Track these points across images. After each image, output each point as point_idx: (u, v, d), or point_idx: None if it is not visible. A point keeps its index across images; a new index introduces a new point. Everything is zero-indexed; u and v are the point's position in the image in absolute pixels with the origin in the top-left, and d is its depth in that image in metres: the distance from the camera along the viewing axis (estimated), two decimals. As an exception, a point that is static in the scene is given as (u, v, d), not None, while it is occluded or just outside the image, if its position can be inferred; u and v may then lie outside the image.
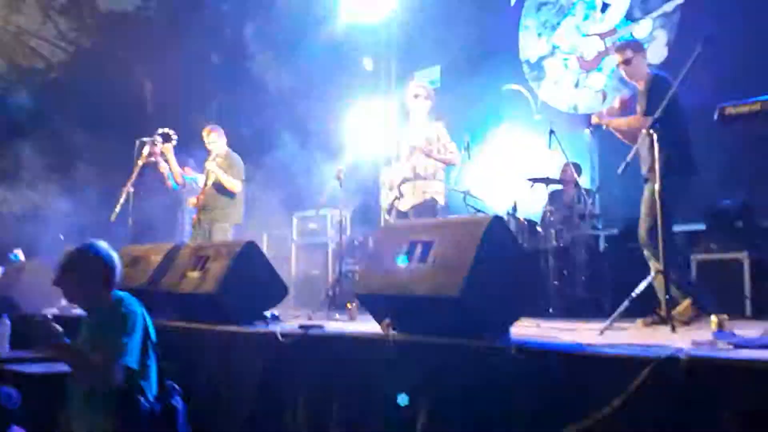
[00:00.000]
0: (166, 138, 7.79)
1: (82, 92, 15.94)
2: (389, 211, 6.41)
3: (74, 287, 3.69)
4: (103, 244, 3.76)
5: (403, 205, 6.33)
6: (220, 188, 7.44)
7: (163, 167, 7.98)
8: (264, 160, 10.08)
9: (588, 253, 6.92)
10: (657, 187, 4.47)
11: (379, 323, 3.93)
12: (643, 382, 2.69)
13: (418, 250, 3.76)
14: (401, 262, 3.76)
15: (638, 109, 5.15)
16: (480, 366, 3.30)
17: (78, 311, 6.99)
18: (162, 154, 7.82)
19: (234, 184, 7.43)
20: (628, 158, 4.45)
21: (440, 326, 3.56)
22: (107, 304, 3.63)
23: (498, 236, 3.58)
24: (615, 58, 5.30)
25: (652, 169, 4.71)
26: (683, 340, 3.52)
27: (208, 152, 7.63)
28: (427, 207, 6.24)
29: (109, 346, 3.41)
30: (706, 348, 3.09)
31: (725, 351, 2.97)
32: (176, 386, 3.86)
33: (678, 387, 2.63)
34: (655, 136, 4.36)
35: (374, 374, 3.77)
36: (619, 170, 4.43)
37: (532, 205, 7.39)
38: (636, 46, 5.31)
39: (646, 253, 4.99)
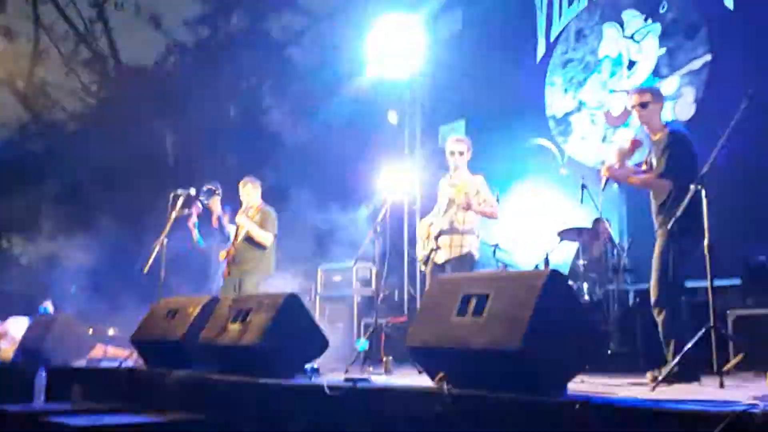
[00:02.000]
0: (210, 193, 7.83)
1: (103, 144, 16.12)
2: (425, 263, 6.43)
3: None
4: None
5: (440, 258, 6.34)
6: (251, 241, 7.46)
7: (193, 222, 8.03)
8: (285, 213, 10.17)
9: (620, 307, 6.92)
10: (705, 243, 4.47)
11: (431, 377, 3.91)
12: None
13: (473, 303, 3.77)
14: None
15: (653, 162, 5.21)
16: (541, 422, 3.28)
17: (106, 364, 7.05)
18: (203, 208, 7.87)
19: (265, 238, 7.44)
20: (678, 213, 4.49)
21: (497, 381, 3.54)
22: None
23: (556, 289, 3.59)
24: (632, 99, 5.31)
25: (661, 227, 4.92)
26: (737, 395, 3.51)
27: (240, 204, 7.69)
28: (464, 261, 6.26)
29: None
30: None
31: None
32: None
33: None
34: (703, 192, 4.38)
35: (427, 429, 3.74)
36: (669, 225, 4.48)
37: (559, 259, 7.40)
38: (656, 94, 5.37)
39: (656, 310, 5.00)
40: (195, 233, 8.15)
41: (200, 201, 7.76)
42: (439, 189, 6.72)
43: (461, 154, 6.51)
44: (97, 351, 8.10)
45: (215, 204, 7.91)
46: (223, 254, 7.72)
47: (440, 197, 6.60)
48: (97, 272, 13.83)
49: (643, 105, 5.23)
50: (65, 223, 15.77)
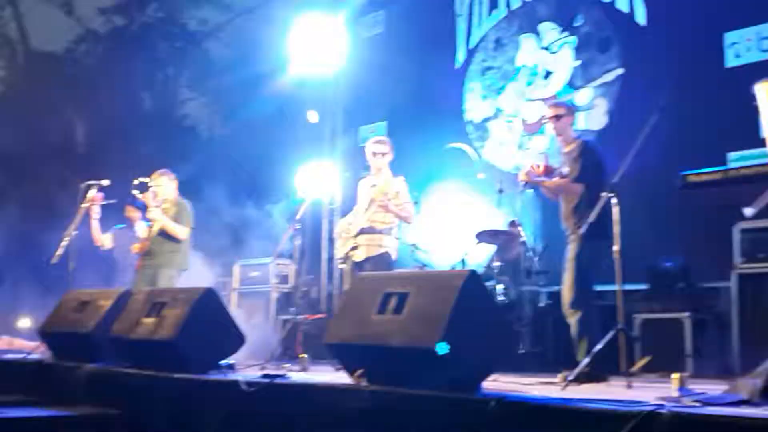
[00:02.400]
0: (144, 187, 7.41)
1: (10, 131, 15.53)
2: (344, 261, 6.47)
3: None
4: None
5: (358, 256, 6.40)
6: (165, 234, 7.31)
7: (96, 215, 7.78)
8: (199, 206, 10.03)
9: (532, 308, 7.12)
10: (616, 248, 4.67)
11: (350, 374, 3.95)
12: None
13: (393, 301, 3.82)
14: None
15: (566, 170, 5.50)
16: (457, 419, 3.35)
17: (12, 356, 6.80)
18: (137, 203, 7.64)
19: (180, 231, 7.32)
20: (591, 218, 4.66)
21: (414, 378, 3.60)
22: None
23: (474, 290, 3.67)
24: (547, 112, 5.72)
25: (574, 231, 5.24)
26: (644, 396, 3.66)
27: (153, 196, 7.44)
28: (382, 260, 6.34)
29: None
30: (674, 404, 3.22)
31: (696, 407, 3.10)
32: None
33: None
34: (614, 200, 4.58)
35: (345, 425, 3.77)
36: (582, 230, 4.67)
37: (476, 260, 7.55)
38: (569, 108, 5.80)
39: (570, 311, 5.27)
40: (97, 227, 7.92)
41: (134, 195, 7.45)
42: (359, 189, 6.76)
43: (383, 155, 6.57)
44: (2, 343, 7.83)
45: (148, 199, 7.48)
46: (136, 247, 7.55)
47: (360, 197, 6.65)
48: (1, 262, 13.33)
49: (557, 117, 5.60)
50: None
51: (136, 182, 7.40)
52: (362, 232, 6.41)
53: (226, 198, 10.22)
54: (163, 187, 7.44)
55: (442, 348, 3.46)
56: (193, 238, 7.57)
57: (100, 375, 5.21)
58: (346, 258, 6.44)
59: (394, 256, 6.56)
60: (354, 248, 6.40)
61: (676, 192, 6.96)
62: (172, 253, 7.34)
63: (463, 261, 7.12)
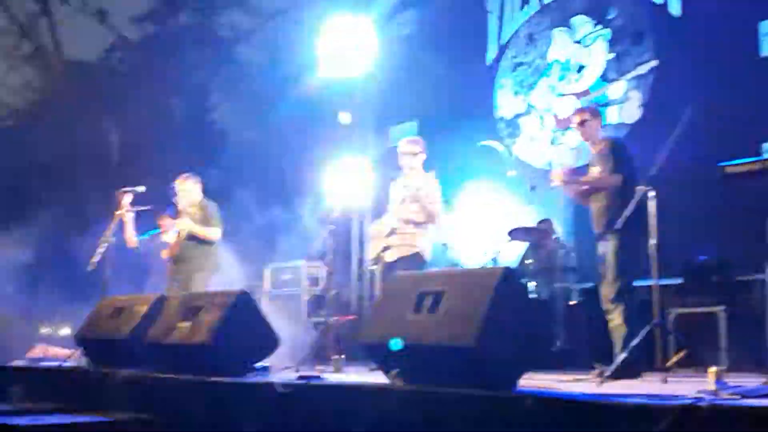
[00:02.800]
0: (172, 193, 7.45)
1: (45, 139, 15.78)
2: (375, 263, 6.44)
3: None
4: None
5: (390, 256, 6.36)
6: (194, 238, 7.27)
7: (131, 219, 7.79)
8: (229, 210, 10.07)
9: (564, 305, 7.05)
10: (652, 242, 4.60)
11: (385, 373, 3.93)
12: (667, 430, 2.74)
13: (429, 300, 3.79)
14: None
15: (597, 169, 5.52)
16: (493, 417, 3.31)
17: (47, 364, 6.88)
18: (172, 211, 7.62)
19: (211, 233, 7.28)
20: (627, 212, 4.62)
21: (449, 377, 3.57)
22: None
23: (509, 288, 3.63)
24: (573, 119, 5.81)
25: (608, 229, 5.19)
26: (680, 390, 3.60)
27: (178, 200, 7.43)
28: (414, 260, 6.27)
29: None
30: (713, 398, 3.16)
31: (735, 400, 3.05)
32: None
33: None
34: (651, 194, 4.52)
35: (381, 425, 3.75)
36: (618, 225, 4.62)
37: (508, 258, 7.50)
38: (593, 112, 5.86)
39: (611, 306, 5.24)
40: (131, 231, 7.94)
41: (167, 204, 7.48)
42: (391, 190, 6.72)
43: (414, 155, 6.53)
44: (37, 350, 7.91)
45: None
46: (165, 252, 7.54)
47: (393, 198, 6.61)
48: (36, 269, 13.51)
49: (582, 123, 5.66)
50: (2, 218, 15.37)
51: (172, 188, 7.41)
52: (394, 232, 6.37)
53: (257, 201, 10.26)
54: (188, 191, 7.40)
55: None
56: (222, 240, 7.56)
57: (136, 380, 5.22)
58: (377, 259, 6.41)
59: (427, 257, 6.49)
60: (386, 249, 6.36)
61: (710, 184, 6.79)
62: (202, 257, 7.30)
63: (494, 259, 7.07)
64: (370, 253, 6.61)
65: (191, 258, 7.30)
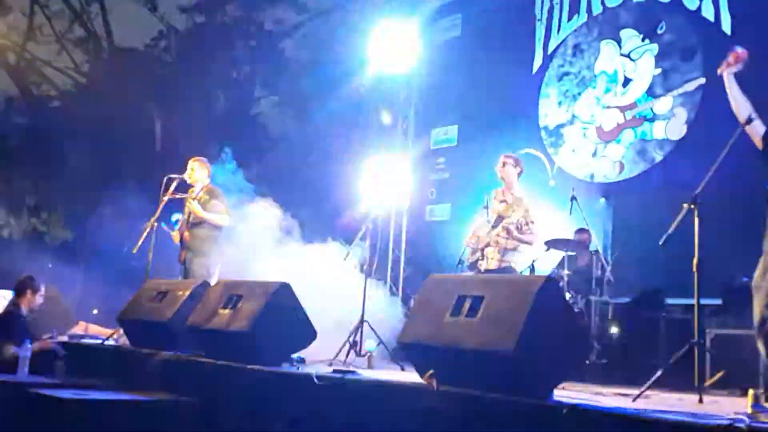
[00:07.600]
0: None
1: (91, 123, 16.03)
2: (471, 269, 6.65)
3: None
4: None
5: (484, 266, 6.59)
6: (197, 223, 7.31)
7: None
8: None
9: (600, 319, 7.05)
10: (695, 261, 4.57)
11: (421, 374, 3.99)
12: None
13: (468, 304, 3.85)
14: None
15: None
16: (528, 424, 3.35)
17: (87, 341, 7.04)
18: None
19: (220, 219, 7.31)
20: (671, 230, 4.58)
21: (485, 382, 3.62)
22: None
23: (550, 296, 3.67)
24: None
25: None
26: (717, 410, 3.61)
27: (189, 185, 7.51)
28: (506, 273, 6.46)
29: None
30: (751, 420, 3.17)
31: (772, 423, 3.06)
32: None
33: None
34: (696, 212, 4.50)
35: (414, 424, 3.81)
36: (661, 242, 4.56)
37: (545, 267, 7.50)
38: None
39: None
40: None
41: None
42: (490, 199, 6.85)
43: (503, 165, 6.75)
44: (79, 328, 8.08)
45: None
46: (176, 236, 7.57)
47: (491, 209, 6.78)
48: (78, 250, 13.77)
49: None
50: (48, 199, 15.68)
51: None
52: (489, 245, 6.60)
53: (294, 197, 10.36)
54: (196, 173, 7.47)
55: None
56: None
57: (175, 363, 5.35)
58: (473, 266, 6.65)
59: (518, 270, 6.68)
60: (481, 259, 6.60)
61: (755, 204, 6.78)
62: (205, 242, 7.31)
63: (532, 267, 7.09)
64: (467, 258, 6.75)
65: (194, 242, 7.32)
